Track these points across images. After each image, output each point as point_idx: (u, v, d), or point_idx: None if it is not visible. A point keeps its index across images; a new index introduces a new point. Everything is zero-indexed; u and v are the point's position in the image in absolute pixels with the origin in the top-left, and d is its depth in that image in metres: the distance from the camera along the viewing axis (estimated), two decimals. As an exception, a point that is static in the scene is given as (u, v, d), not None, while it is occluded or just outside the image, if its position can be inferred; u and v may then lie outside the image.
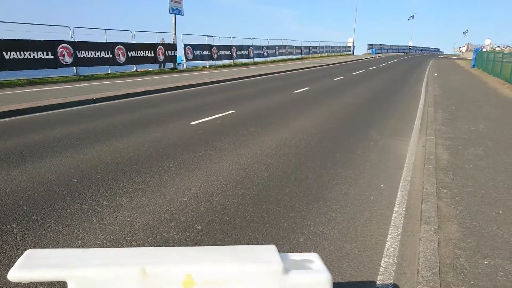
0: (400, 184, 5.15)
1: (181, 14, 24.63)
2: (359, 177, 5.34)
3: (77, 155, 5.92)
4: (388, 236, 3.71)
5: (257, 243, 3.49)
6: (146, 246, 3.34)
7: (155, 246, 3.32)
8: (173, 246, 3.34)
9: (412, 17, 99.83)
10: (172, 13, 24.07)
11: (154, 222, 3.80)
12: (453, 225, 3.77)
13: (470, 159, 5.93)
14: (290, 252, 3.26)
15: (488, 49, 54.00)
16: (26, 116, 9.04)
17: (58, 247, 3.29)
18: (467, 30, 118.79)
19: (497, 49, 72.47)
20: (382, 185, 5.04)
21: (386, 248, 3.47)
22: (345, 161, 6.04)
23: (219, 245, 3.41)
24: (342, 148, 6.78)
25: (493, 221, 3.85)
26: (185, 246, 3.36)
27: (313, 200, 4.46)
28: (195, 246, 3.36)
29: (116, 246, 3.34)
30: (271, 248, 1.85)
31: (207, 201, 4.35)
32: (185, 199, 4.39)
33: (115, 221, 3.79)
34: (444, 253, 3.24)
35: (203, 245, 3.38)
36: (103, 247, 3.31)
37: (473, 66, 34.26)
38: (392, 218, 4.10)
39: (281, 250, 3.32)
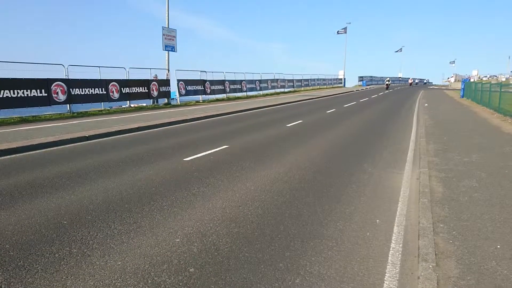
0: (396, 218, 5.09)
1: (174, 51, 25.12)
2: (354, 212, 5.28)
3: (67, 195, 5.82)
4: (386, 274, 3.62)
5: (252, 286, 3.38)
6: (137, 292, 3.22)
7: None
8: (165, 292, 3.23)
9: (400, 50, 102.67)
10: (165, 49, 24.55)
11: (146, 266, 3.68)
12: (452, 261, 3.70)
13: (465, 192, 5.92)
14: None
15: (475, 80, 55.28)
16: (18, 155, 8.96)
17: (44, 296, 3.16)
18: (454, 61, 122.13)
19: (484, 79, 74.26)
20: (377, 221, 4.98)
21: (384, 288, 3.38)
22: (340, 195, 5.99)
23: (212, 289, 3.30)
24: (336, 182, 6.75)
25: (491, 256, 3.79)
26: (177, 291, 3.25)
27: (308, 238, 4.38)
28: (187, 291, 3.25)
29: (106, 293, 3.22)
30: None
31: (200, 241, 4.25)
32: (178, 239, 4.29)
33: (105, 266, 3.68)
34: (444, 293, 3.16)
35: (196, 290, 3.27)
36: (92, 294, 3.19)
37: (462, 96, 34.93)
38: (390, 255, 4.02)
39: (276, 293, 3.22)
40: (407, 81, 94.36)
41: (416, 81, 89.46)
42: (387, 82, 59.42)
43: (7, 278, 3.43)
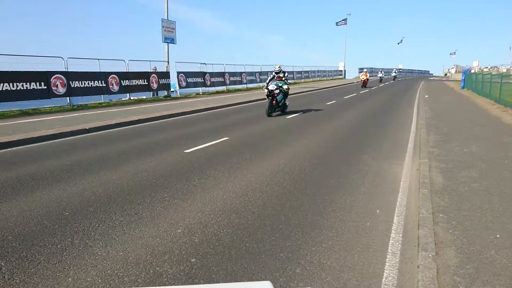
0: (396, 209, 5.11)
1: (174, 43, 25.03)
2: (354, 203, 5.30)
3: (69, 187, 5.84)
4: (386, 264, 3.64)
5: (253, 275, 3.41)
6: (139, 282, 3.25)
7: (149, 285, 3.24)
8: (167, 282, 3.26)
9: (401, 41, 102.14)
10: (165, 42, 24.44)
11: (147, 256, 3.71)
12: (451, 251, 3.72)
13: (465, 182, 5.93)
14: (286, 285, 3.20)
15: (476, 71, 55.09)
16: (18, 148, 8.97)
17: (47, 286, 3.19)
18: (454, 52, 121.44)
19: (485, 70, 73.99)
20: (378, 211, 5.00)
21: (384, 277, 3.41)
22: (340, 186, 6.01)
23: (213, 278, 3.33)
24: (336, 173, 6.76)
25: (491, 245, 3.81)
26: (179, 281, 3.28)
27: (309, 228, 4.41)
28: (189, 282, 3.28)
29: (108, 283, 3.25)
30: (266, 285, 1.80)
31: (202, 232, 4.28)
32: (179, 230, 4.31)
33: (107, 256, 3.71)
34: (444, 281, 3.19)
35: (198, 279, 3.30)
36: (94, 284, 3.22)
37: (463, 88, 34.81)
38: (390, 245, 4.04)
39: (277, 282, 3.26)
40: (391, 73, 65.32)
41: (388, 75, 64.82)
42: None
43: (10, 269, 3.46)
